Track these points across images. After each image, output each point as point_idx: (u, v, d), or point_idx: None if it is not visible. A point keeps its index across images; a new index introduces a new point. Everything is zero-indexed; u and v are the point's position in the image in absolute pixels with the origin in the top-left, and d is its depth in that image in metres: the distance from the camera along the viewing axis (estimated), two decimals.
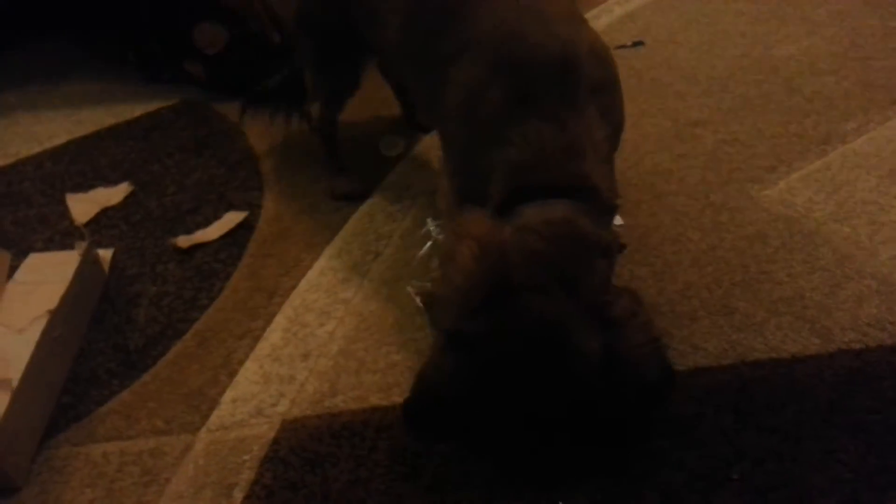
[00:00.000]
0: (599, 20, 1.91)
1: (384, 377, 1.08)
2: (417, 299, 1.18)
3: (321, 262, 1.31)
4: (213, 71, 1.89)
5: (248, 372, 1.14)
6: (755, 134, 1.44)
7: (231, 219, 1.45)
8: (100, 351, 1.22)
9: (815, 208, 1.24)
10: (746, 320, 1.08)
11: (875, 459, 0.88)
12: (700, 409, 0.97)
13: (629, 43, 1.80)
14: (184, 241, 1.41)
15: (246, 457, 1.01)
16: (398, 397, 1.05)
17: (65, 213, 1.56)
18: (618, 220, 1.28)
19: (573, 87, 0.90)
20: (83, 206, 1.57)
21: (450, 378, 0.83)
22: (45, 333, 1.12)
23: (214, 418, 1.08)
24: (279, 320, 1.21)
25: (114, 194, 1.59)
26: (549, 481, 0.91)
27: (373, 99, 1.67)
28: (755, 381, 0.99)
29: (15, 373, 1.05)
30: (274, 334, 1.19)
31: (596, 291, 0.83)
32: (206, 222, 1.46)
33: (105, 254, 1.40)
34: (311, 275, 1.29)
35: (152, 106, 1.91)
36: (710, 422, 0.96)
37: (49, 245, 1.47)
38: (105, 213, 1.55)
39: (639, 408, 0.86)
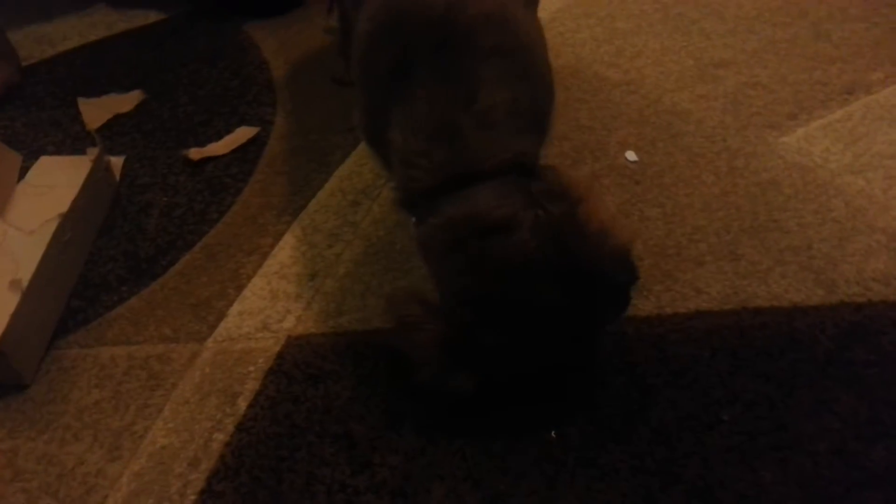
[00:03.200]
0: None
1: None
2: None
3: (331, 184, 1.31)
4: None
5: (256, 287, 1.15)
6: (778, 79, 1.41)
7: (243, 133, 1.45)
8: (110, 257, 1.24)
9: (831, 159, 1.23)
10: (752, 267, 1.08)
11: (866, 411, 0.90)
12: (697, 352, 0.98)
13: None
14: (195, 153, 1.40)
15: (251, 368, 1.04)
16: None
17: (76, 117, 1.56)
18: (632, 157, 1.27)
19: (454, 53, 0.87)
20: (95, 111, 1.56)
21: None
22: (56, 236, 1.13)
23: (221, 329, 1.10)
24: (288, 239, 1.22)
25: (126, 101, 1.58)
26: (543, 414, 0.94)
27: None
28: (755, 328, 1.00)
29: (25, 273, 1.07)
30: (282, 252, 1.20)
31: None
32: (218, 135, 1.45)
33: (116, 161, 1.40)
34: (321, 195, 1.29)
35: (166, 12, 1.88)
36: (706, 364, 0.97)
37: (60, 149, 1.47)
38: (117, 119, 1.54)
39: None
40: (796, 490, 0.84)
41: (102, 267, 1.22)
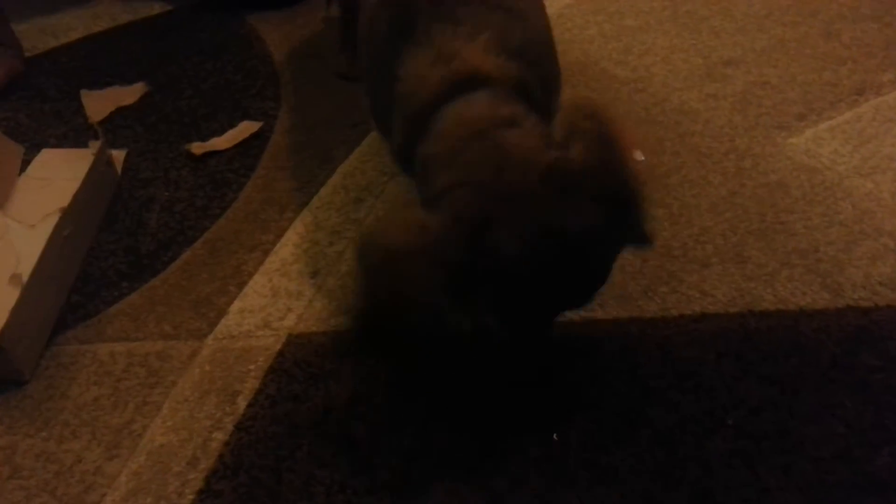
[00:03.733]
0: None
1: None
2: None
3: (334, 180, 1.30)
4: None
5: (257, 284, 1.14)
6: (787, 79, 1.40)
7: (246, 128, 1.44)
8: (111, 252, 1.23)
9: (839, 161, 1.22)
10: (758, 270, 1.07)
11: (871, 417, 0.89)
12: (702, 354, 0.98)
13: None
14: (198, 147, 1.39)
15: (251, 366, 1.03)
16: None
17: (79, 109, 1.55)
18: (638, 156, 1.26)
19: (458, 4, 0.87)
20: (98, 103, 1.55)
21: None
22: (57, 231, 1.13)
23: (222, 327, 1.09)
24: (290, 236, 1.21)
25: (129, 94, 1.57)
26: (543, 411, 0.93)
27: None
28: (760, 331, 0.99)
29: (25, 268, 1.06)
30: (284, 249, 1.19)
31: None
32: (221, 130, 1.44)
33: (118, 154, 1.39)
34: (324, 192, 1.28)
35: (170, 4, 1.87)
36: (711, 367, 0.96)
37: (63, 142, 1.46)
38: (120, 112, 1.53)
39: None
40: (799, 495, 0.83)
41: (103, 262, 1.22)
